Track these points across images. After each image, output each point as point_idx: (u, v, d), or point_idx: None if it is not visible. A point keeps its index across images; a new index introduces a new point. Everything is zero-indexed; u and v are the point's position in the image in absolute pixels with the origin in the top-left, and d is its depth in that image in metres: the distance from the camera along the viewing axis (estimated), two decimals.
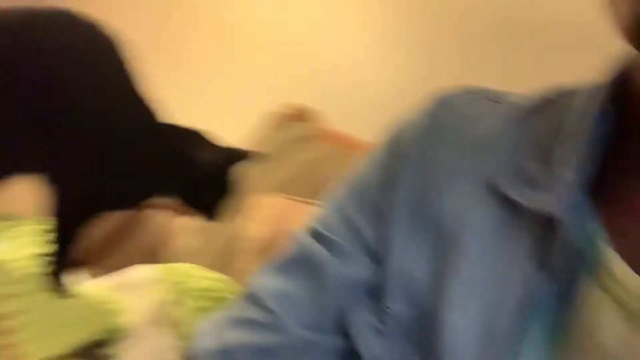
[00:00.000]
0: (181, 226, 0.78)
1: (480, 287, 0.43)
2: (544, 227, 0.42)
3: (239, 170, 0.72)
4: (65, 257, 0.60)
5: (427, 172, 0.47)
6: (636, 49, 0.37)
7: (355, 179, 0.52)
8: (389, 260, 0.47)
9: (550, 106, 0.47)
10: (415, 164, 0.48)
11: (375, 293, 0.47)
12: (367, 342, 0.46)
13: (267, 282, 0.51)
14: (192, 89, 1.85)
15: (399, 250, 0.47)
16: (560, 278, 0.41)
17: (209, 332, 0.52)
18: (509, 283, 0.43)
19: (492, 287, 0.43)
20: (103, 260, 0.66)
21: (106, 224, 0.64)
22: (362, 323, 0.47)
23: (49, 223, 0.57)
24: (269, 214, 1.34)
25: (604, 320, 0.40)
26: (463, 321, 0.43)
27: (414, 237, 0.46)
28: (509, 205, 0.44)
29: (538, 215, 0.42)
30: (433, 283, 0.45)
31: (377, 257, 0.48)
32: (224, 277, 0.69)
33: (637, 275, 0.39)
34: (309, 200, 1.24)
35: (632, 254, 0.40)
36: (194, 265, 0.69)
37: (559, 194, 0.41)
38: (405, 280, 0.46)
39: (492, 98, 0.50)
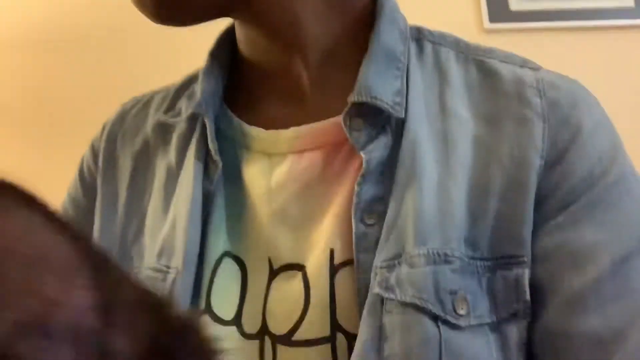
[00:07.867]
0: None
1: (162, 211, 0.60)
2: (198, 128, 0.61)
3: None
4: None
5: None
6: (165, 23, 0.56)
7: None
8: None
9: (191, 78, 0.68)
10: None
11: None
12: None
13: None
14: None
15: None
16: (221, 160, 0.58)
17: None
18: (185, 193, 0.59)
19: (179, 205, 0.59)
20: None
21: None
22: None
23: None
24: None
25: (256, 172, 0.59)
26: (152, 243, 0.60)
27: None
28: (163, 129, 0.64)
29: (188, 120, 0.62)
30: (126, 221, 0.63)
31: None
32: None
33: (265, 130, 0.59)
34: None
35: (260, 121, 0.60)
36: None
37: (198, 103, 0.60)
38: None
39: (141, 100, 0.70)
